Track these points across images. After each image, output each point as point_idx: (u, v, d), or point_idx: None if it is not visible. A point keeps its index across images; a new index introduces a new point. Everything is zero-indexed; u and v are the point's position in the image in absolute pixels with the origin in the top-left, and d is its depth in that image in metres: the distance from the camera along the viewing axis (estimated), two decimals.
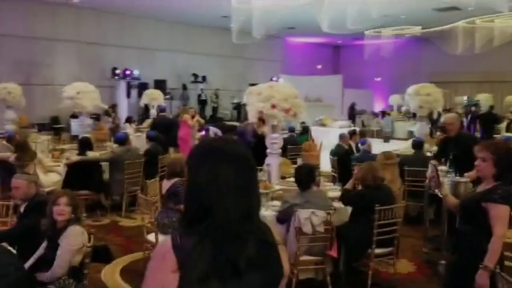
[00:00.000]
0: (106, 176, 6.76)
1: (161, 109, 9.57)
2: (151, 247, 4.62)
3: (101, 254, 3.41)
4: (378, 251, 4.40)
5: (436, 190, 3.51)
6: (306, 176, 4.36)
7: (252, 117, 5.03)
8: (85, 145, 6.81)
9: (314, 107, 16.90)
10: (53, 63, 13.49)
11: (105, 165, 6.73)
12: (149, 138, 7.27)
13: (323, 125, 13.29)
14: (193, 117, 8.71)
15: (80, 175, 6.26)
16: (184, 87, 15.76)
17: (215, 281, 1.26)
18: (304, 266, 4.29)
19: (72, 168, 6.35)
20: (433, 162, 4.52)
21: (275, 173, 5.17)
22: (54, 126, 12.42)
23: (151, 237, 4.57)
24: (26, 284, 2.48)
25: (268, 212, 4.56)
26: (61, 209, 3.00)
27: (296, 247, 4.18)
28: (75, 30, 13.99)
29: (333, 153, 7.33)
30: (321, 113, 14.65)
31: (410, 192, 6.07)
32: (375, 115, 16.90)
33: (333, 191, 5.25)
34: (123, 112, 13.51)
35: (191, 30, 16.55)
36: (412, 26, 15.18)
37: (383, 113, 16.61)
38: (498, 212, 2.80)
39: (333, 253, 4.21)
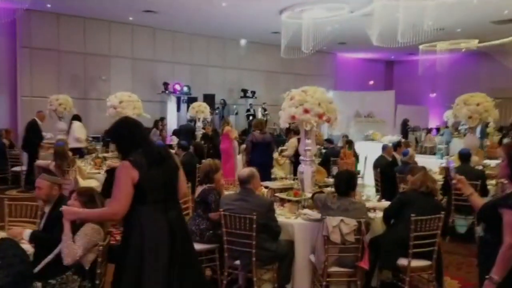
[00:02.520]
0: None
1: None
2: None
3: (115, 254, 3.35)
4: (414, 263, 4.08)
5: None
6: (345, 182, 4.17)
7: (283, 123, 4.89)
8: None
9: (365, 123, 16.51)
10: (108, 78, 14.04)
11: None
12: (182, 148, 7.28)
13: (372, 140, 12.85)
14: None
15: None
16: (224, 103, 15.81)
17: (155, 166, 2.80)
18: (334, 278, 4.04)
19: (111, 174, 6.44)
20: (447, 157, 4.27)
21: (308, 182, 4.97)
22: (106, 138, 12.85)
23: None
24: (30, 275, 2.46)
25: (298, 220, 4.37)
26: (71, 202, 3.00)
27: (324, 257, 3.95)
28: (130, 47, 14.56)
29: (376, 164, 7.01)
30: (372, 129, 14.23)
31: (457, 207, 5.65)
32: (429, 131, 16.14)
33: (371, 201, 4.98)
34: (173, 125, 13.80)
35: (242, 46, 16.76)
36: (469, 40, 14.49)
37: (438, 130, 15.86)
38: (509, 218, 2.50)
39: (364, 264, 3.93)
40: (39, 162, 7.02)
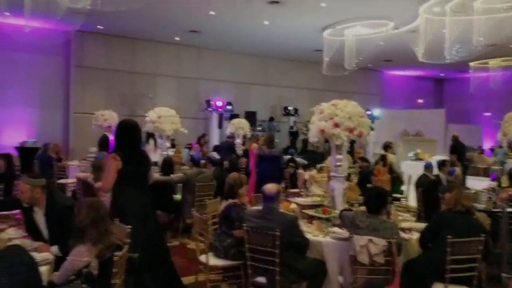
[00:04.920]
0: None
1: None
2: (203, 269, 4.49)
3: (133, 265, 3.33)
4: None
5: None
6: (376, 199, 3.98)
7: (312, 137, 4.76)
8: (167, 165, 7.00)
9: (414, 142, 15.93)
10: (155, 96, 14.43)
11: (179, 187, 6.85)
12: (212, 162, 7.28)
13: (420, 159, 12.33)
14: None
15: (153, 195, 6.39)
16: (271, 119, 15.86)
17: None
18: None
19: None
20: None
21: (339, 199, 4.78)
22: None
23: (204, 258, 4.44)
24: (38, 284, 2.47)
25: (326, 238, 4.20)
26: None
27: (352, 278, 3.76)
28: (175, 66, 14.96)
29: (418, 184, 6.68)
30: (421, 148, 13.69)
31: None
32: (482, 151, 15.33)
33: (406, 221, 4.71)
34: (215, 141, 13.93)
35: (284, 64, 16.80)
36: None
37: (492, 150, 15.03)
38: None
39: None
40: (79, 174, 7.25)
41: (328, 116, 4.54)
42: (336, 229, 4.30)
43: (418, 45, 10.71)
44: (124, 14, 9.00)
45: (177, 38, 14.08)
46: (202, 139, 12.41)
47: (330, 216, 4.47)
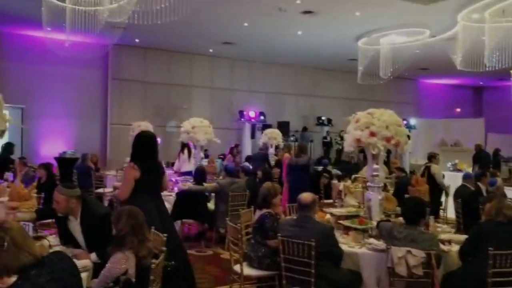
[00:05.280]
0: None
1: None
2: (237, 279, 4.47)
3: (172, 273, 3.35)
4: None
5: None
6: (414, 209, 3.88)
7: (348, 146, 4.69)
8: (199, 174, 7.06)
9: (452, 152, 15.49)
10: (189, 107, 14.63)
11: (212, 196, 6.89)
12: (244, 172, 7.28)
13: (458, 170, 11.97)
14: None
15: (187, 204, 6.47)
16: (305, 129, 15.78)
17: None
18: None
19: (181, 197, 6.60)
20: None
21: (375, 209, 4.68)
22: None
23: (238, 268, 4.43)
24: None
25: (363, 250, 4.11)
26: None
27: None
28: (209, 77, 15.15)
29: (457, 195, 6.47)
30: (459, 158, 13.30)
31: None
32: None
33: (445, 233, 4.56)
34: (247, 152, 13.98)
35: (317, 74, 16.73)
36: None
37: None
38: None
39: None
40: (116, 184, 7.40)
41: (364, 125, 4.47)
42: (372, 240, 4.20)
43: (456, 53, 10.45)
44: (161, 28, 9.18)
45: (211, 50, 14.27)
46: (235, 149, 12.50)
47: (367, 227, 4.37)
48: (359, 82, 12.57)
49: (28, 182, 5.68)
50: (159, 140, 10.17)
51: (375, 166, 4.65)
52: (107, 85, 14.06)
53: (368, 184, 4.78)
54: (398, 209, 5.03)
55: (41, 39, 11.88)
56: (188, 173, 8.45)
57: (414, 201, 3.97)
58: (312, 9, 10.02)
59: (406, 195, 5.61)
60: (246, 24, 11.23)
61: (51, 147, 12.55)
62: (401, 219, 4.46)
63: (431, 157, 8.22)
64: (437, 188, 7.66)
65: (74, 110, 13.33)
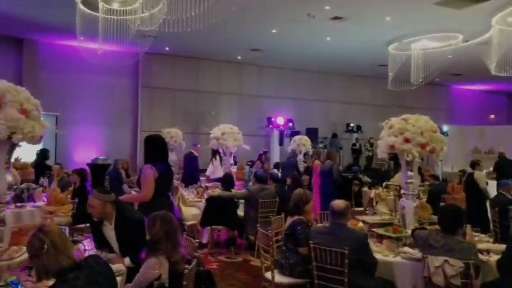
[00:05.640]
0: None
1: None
2: (268, 286, 4.42)
3: (204, 279, 3.34)
4: None
5: None
6: (451, 217, 3.76)
7: (381, 152, 4.60)
8: (228, 181, 7.08)
9: (486, 160, 15.04)
10: (217, 113, 14.72)
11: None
12: (272, 178, 7.23)
13: (493, 178, 11.60)
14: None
15: (216, 211, 6.48)
16: (335, 136, 15.64)
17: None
18: None
19: (210, 203, 6.62)
20: None
21: (410, 217, 4.57)
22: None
23: (269, 275, 4.38)
24: None
25: (397, 259, 4.01)
26: None
27: None
28: (237, 84, 15.23)
29: (494, 203, 6.25)
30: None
31: None
32: None
33: (482, 242, 4.40)
34: (276, 158, 13.94)
35: (346, 80, 16.59)
36: None
37: None
38: None
39: None
40: None
41: (398, 131, 4.38)
42: (407, 248, 4.10)
43: (490, 58, 10.18)
44: (189, 35, 9.29)
45: (239, 57, 14.35)
46: (263, 156, 12.48)
47: (401, 235, 4.27)
48: (389, 88, 12.40)
49: (63, 188, 5.81)
50: (184, 145, 10.37)
51: (410, 173, 4.54)
52: (138, 93, 14.31)
53: (402, 191, 4.67)
54: (433, 217, 4.90)
55: (75, 48, 12.20)
56: (219, 179, 8.50)
57: (452, 210, 3.85)
58: (341, 15, 9.95)
59: (442, 203, 5.45)
60: (274, 31, 11.25)
61: (84, 153, 12.83)
62: (436, 227, 4.34)
63: (475, 164, 7.98)
64: (477, 197, 7.39)
65: (106, 117, 13.60)
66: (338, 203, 3.99)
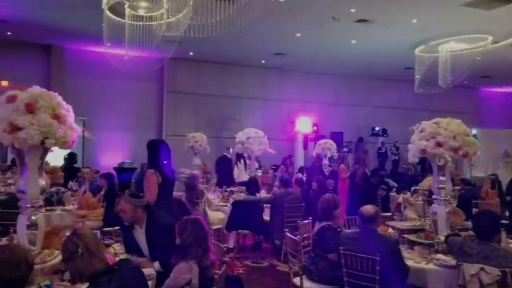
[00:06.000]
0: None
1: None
2: None
3: (232, 285, 3.32)
4: None
5: None
6: (489, 224, 3.64)
7: (412, 157, 4.49)
8: (252, 184, 7.05)
9: None
10: (241, 118, 14.73)
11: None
12: (299, 183, 7.15)
13: None
14: None
15: (242, 215, 6.46)
16: (360, 140, 15.47)
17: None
18: None
19: (236, 207, 6.60)
20: None
21: (442, 223, 4.45)
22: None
23: (297, 280, 4.33)
24: None
25: (430, 266, 3.91)
26: None
27: None
28: (261, 88, 15.21)
29: None
30: None
31: None
32: None
33: None
34: (300, 163, 13.86)
35: (372, 83, 16.39)
36: None
37: None
38: None
39: None
40: (174, 193, 7.49)
41: (430, 134, 4.28)
42: (440, 255, 3.99)
43: None
44: (214, 40, 9.32)
45: (263, 61, 14.35)
46: (288, 160, 12.42)
47: (434, 241, 4.16)
48: (416, 91, 12.19)
49: (93, 192, 5.88)
50: (208, 149, 10.41)
51: (442, 178, 4.42)
52: (163, 98, 14.45)
53: (434, 196, 4.56)
54: (466, 223, 4.77)
55: (101, 54, 12.42)
56: (244, 183, 8.50)
57: (489, 216, 3.72)
58: (367, 18, 9.84)
59: (475, 209, 5.30)
60: (298, 35, 11.21)
61: (110, 157, 13.01)
62: (469, 233, 4.23)
63: None
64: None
65: (131, 122, 13.77)
66: (368, 209, 3.91)
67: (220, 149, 13.74)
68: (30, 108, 3.17)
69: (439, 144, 4.24)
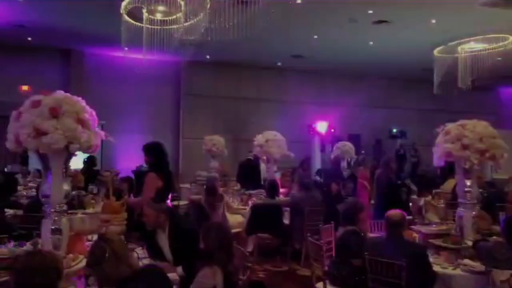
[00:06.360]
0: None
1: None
2: None
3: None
4: None
5: None
6: None
7: (438, 160, 4.40)
8: (272, 188, 7.02)
9: None
10: (257, 121, 14.68)
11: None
12: (317, 186, 7.06)
13: None
14: None
15: (261, 218, 6.42)
16: (378, 142, 15.29)
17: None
18: None
19: (255, 211, 6.56)
20: None
21: (468, 228, 4.35)
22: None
23: (320, 285, 4.28)
24: None
25: (457, 271, 3.82)
26: None
27: None
28: (278, 90, 15.16)
29: None
30: None
31: None
32: None
33: None
34: (317, 165, 13.76)
35: (389, 85, 16.20)
36: None
37: None
38: None
39: None
40: (194, 197, 7.53)
41: (455, 137, 4.19)
42: (467, 261, 3.90)
43: None
44: (231, 43, 9.31)
45: (279, 64, 14.31)
46: (305, 163, 12.32)
47: (461, 246, 4.06)
48: (435, 92, 12.00)
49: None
50: (226, 151, 10.38)
51: (468, 181, 4.32)
52: (179, 101, 14.50)
53: (460, 200, 4.46)
54: (493, 227, 4.65)
55: (119, 58, 12.54)
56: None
57: None
58: (385, 19, 9.74)
59: (501, 212, 5.16)
60: (315, 37, 11.14)
61: (128, 161, 13.08)
62: (495, 238, 4.13)
63: None
64: None
65: (149, 125, 13.84)
66: (393, 214, 3.84)
67: (238, 151, 13.74)
68: (55, 113, 3.18)
69: (465, 147, 4.14)
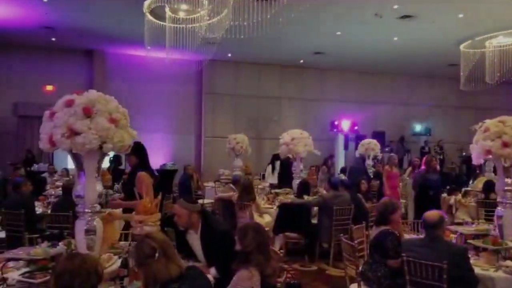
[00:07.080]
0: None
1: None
2: None
3: None
4: None
5: None
6: None
7: (477, 158, 4.25)
8: (302, 187, 6.92)
9: None
10: (279, 118, 14.62)
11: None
12: (345, 185, 6.91)
13: None
14: None
15: (289, 218, 6.34)
16: (402, 139, 15.04)
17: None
18: None
19: (283, 210, 6.48)
20: None
21: (509, 228, 4.19)
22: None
23: (354, 286, 4.17)
24: None
25: (499, 273, 3.68)
26: None
27: None
28: (299, 88, 15.04)
29: None
30: None
31: None
32: None
33: None
34: (341, 163, 13.61)
35: (414, 81, 15.92)
36: None
37: None
38: None
39: None
40: (222, 195, 7.49)
41: (495, 134, 4.03)
42: (509, 262, 3.76)
43: None
44: (252, 41, 9.24)
45: (301, 61, 14.18)
46: (329, 161, 12.20)
47: (502, 248, 3.91)
48: (462, 88, 11.73)
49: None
50: (250, 150, 10.35)
51: (508, 180, 4.16)
52: (201, 100, 14.50)
53: (499, 199, 4.30)
54: None
55: (142, 57, 12.57)
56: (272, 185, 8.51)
57: None
58: (410, 14, 9.54)
59: None
60: (338, 33, 10.99)
61: (152, 160, 13.09)
62: None
63: None
64: None
65: (172, 124, 13.89)
66: (431, 215, 3.71)
67: (260, 150, 13.68)
68: (88, 112, 3.14)
69: (505, 144, 3.99)
